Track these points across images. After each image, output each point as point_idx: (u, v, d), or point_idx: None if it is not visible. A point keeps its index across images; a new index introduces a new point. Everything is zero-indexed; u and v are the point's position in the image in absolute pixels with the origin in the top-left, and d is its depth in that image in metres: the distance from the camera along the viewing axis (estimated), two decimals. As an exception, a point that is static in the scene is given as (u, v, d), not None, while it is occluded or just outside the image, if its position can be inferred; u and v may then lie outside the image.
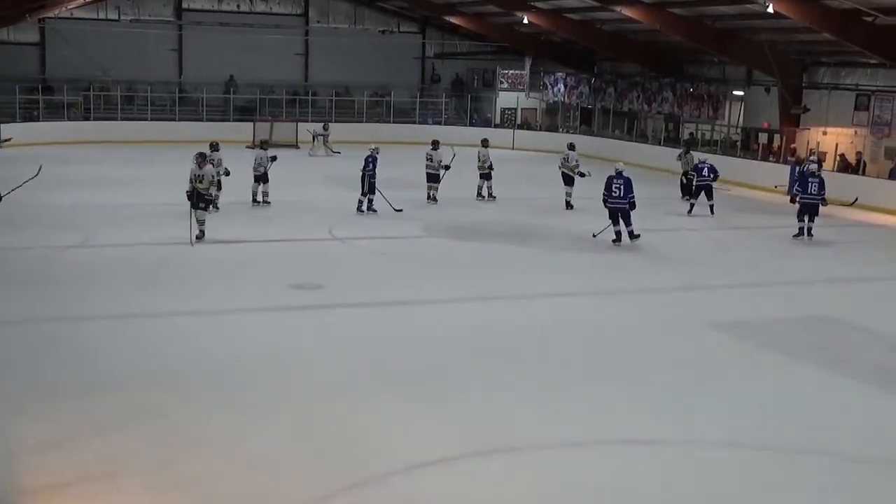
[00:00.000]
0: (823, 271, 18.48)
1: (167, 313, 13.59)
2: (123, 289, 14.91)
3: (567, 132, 40.82)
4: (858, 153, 28.91)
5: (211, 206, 19.87)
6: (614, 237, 19.59)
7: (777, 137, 32.31)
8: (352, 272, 16.66)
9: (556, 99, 43.02)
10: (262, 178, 23.31)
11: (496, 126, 43.07)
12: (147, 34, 40.01)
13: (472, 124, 42.59)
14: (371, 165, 22.35)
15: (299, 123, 38.32)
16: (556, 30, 38.10)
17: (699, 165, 24.70)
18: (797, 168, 28.02)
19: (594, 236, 19.97)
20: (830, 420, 10.46)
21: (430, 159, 24.58)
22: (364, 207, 22.50)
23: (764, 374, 11.95)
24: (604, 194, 19.71)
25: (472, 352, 12.30)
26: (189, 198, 18.56)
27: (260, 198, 23.29)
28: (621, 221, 19.52)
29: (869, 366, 12.38)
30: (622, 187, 19.41)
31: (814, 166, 22.64)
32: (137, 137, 36.56)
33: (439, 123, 42.23)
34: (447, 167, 24.23)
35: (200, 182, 18.53)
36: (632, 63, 38.72)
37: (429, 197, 24.52)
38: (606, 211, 19.74)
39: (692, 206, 24.58)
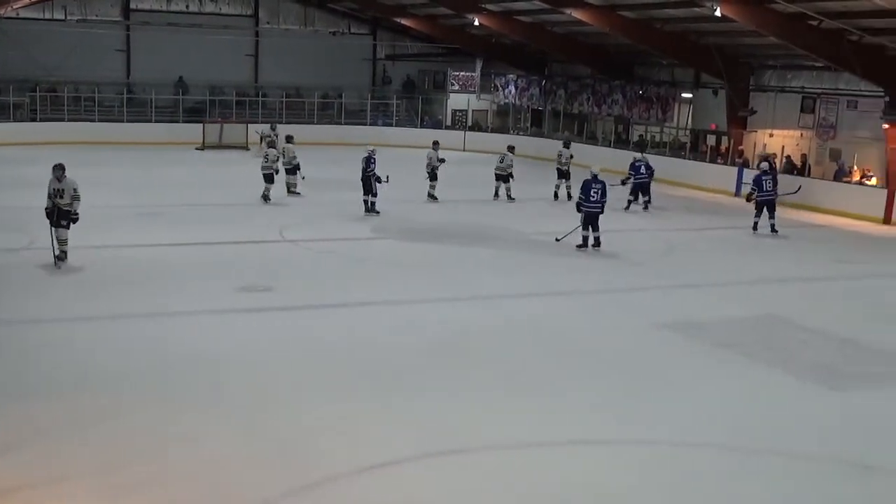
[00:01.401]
0: (771, 271, 18.70)
1: (115, 316, 13.43)
2: (70, 292, 14.73)
3: (518, 134, 41.00)
4: (804, 155, 29.34)
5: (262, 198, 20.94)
6: (580, 242, 19.50)
7: (725, 139, 32.68)
8: (303, 274, 16.58)
9: (506, 101, 43.15)
10: (291, 171, 25.34)
11: (447, 128, 43.09)
12: (94, 34, 39.56)
13: (423, 126, 42.56)
14: (371, 166, 22.72)
15: (249, 125, 38.09)
16: (506, 32, 38.22)
17: (636, 164, 25.65)
18: (745, 169, 28.61)
19: (557, 240, 19.94)
20: (780, 418, 10.58)
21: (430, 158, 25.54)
22: (368, 208, 22.75)
23: (716, 374, 12.08)
24: (580, 198, 19.55)
25: (424, 353, 12.29)
26: (48, 216, 16.30)
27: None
28: (593, 225, 19.42)
29: (816, 364, 12.56)
30: (600, 191, 19.31)
31: (766, 164, 23.81)
32: (85, 139, 36.11)
33: (390, 125, 42.24)
34: (442, 160, 25.35)
35: (61, 197, 16.25)
36: (582, 65, 38.95)
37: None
38: (574, 215, 19.68)
39: (630, 202, 25.47)
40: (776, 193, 23.00)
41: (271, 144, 25.44)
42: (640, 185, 25.76)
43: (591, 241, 19.39)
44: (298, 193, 25.53)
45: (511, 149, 26.91)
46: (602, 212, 19.40)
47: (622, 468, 9.10)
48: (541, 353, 12.63)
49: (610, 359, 12.49)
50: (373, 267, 17.51)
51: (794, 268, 19.17)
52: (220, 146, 37.15)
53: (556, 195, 26.90)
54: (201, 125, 37.78)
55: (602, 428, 10.05)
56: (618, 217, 23.64)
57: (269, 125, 36.35)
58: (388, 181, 23.07)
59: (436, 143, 26.25)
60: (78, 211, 16.35)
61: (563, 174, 26.99)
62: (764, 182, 22.82)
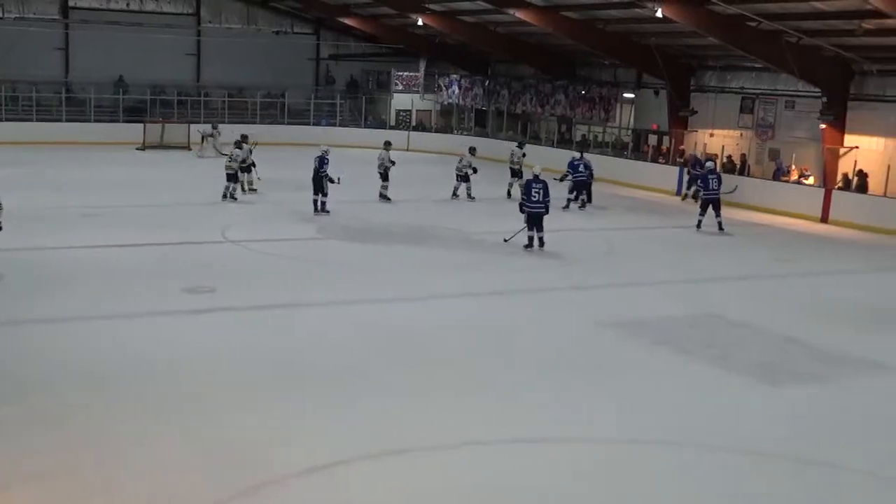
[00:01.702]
0: (712, 270, 19.00)
1: (57, 319, 13.27)
2: (8, 295, 14.50)
3: (461, 134, 41.13)
4: (743, 155, 29.76)
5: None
6: (527, 242, 19.56)
7: (666, 139, 33.05)
8: (246, 275, 16.48)
9: (450, 101, 43.24)
10: (246, 169, 25.33)
11: (391, 128, 43.07)
12: (32, 32, 38.89)
13: (366, 126, 42.54)
14: (324, 166, 22.80)
15: (191, 125, 37.72)
16: (450, 32, 38.29)
17: (574, 162, 26.02)
18: (686, 169, 28.99)
19: (505, 241, 19.99)
20: (721, 415, 10.76)
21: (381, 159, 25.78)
22: (318, 208, 22.78)
23: (657, 372, 12.23)
24: (522, 198, 19.71)
25: (372, 354, 12.30)
26: None
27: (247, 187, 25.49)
28: (536, 226, 19.48)
29: (756, 362, 12.77)
30: (541, 191, 19.40)
31: (711, 164, 24.55)
32: (23, 139, 35.52)
33: (334, 125, 42.12)
34: (392, 162, 25.62)
35: None
36: (525, 65, 39.15)
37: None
38: (520, 215, 19.72)
39: (568, 202, 25.78)
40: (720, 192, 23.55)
41: (238, 145, 25.28)
42: (579, 184, 26.07)
43: (536, 241, 19.52)
44: (255, 190, 25.68)
45: (472, 150, 27.20)
46: (546, 211, 19.49)
47: (567, 467, 9.18)
48: (488, 352, 12.70)
49: (555, 358, 12.59)
50: (318, 268, 17.47)
51: (734, 266, 19.46)
52: (161, 146, 36.74)
53: (508, 193, 27.21)
54: (142, 125, 37.32)
55: (548, 427, 10.13)
56: (560, 217, 23.80)
57: (210, 125, 36.11)
58: (339, 182, 23.10)
59: (388, 144, 26.34)
60: (1, 220, 15.87)
61: (516, 173, 27.48)
62: (710, 181, 23.28)
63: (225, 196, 24.22)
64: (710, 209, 23.10)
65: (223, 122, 37.59)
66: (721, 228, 22.95)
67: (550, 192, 19.69)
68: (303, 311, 14.36)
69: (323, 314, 14.25)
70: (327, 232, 20.82)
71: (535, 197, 19.35)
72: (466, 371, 11.84)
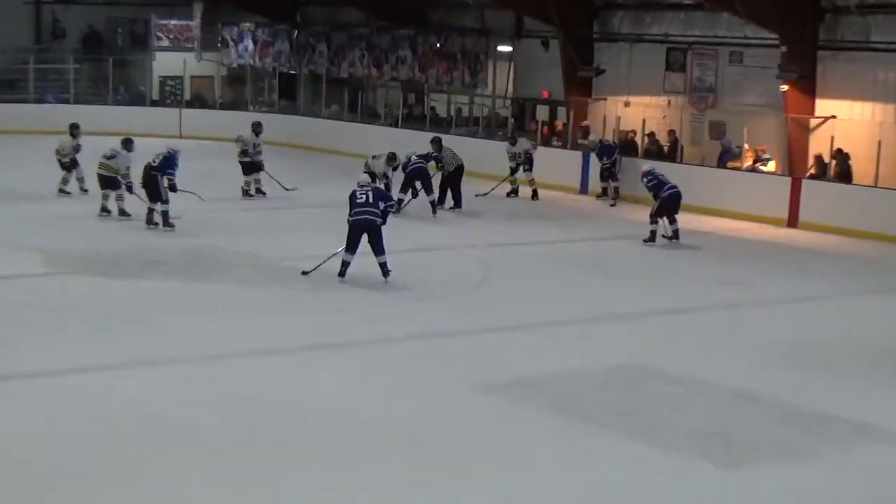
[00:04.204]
0: (629, 301, 19.31)
1: None
2: None
3: (260, 110, 40.96)
4: (672, 132, 30.28)
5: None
6: (340, 269, 19.48)
7: (562, 112, 33.48)
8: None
9: (242, 62, 43.03)
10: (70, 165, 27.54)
11: (154, 103, 42.66)
12: None
13: (117, 102, 42.08)
14: (168, 167, 23.85)
15: None
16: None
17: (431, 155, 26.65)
18: (590, 154, 29.44)
19: (305, 273, 19.94)
20: (644, 509, 10.97)
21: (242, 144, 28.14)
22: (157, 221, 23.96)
23: (558, 452, 12.31)
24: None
25: (120, 447, 12.07)
26: None
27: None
28: (374, 246, 19.36)
29: (696, 431, 12.98)
30: (369, 193, 19.45)
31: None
32: None
33: (67, 101, 41.28)
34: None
35: None
36: (352, 7, 39.24)
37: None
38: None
39: (432, 204, 26.56)
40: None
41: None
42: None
43: (369, 266, 19.48)
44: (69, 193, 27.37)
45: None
46: (382, 221, 19.50)
47: None
48: (312, 433, 12.60)
49: (411, 437, 12.58)
50: (42, 317, 17.13)
51: (663, 295, 19.85)
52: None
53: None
54: None
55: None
56: (409, 230, 23.85)
57: None
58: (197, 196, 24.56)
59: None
60: None
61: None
62: (661, 177, 24.08)
63: None
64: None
65: None
66: (675, 237, 23.71)
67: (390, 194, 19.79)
68: (27, 382, 14.10)
69: (62, 386, 14.02)
70: (62, 265, 20.51)
71: (359, 199, 19.37)
72: (295, 457, 11.73)
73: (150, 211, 24.10)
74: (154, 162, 23.98)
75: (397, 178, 26.70)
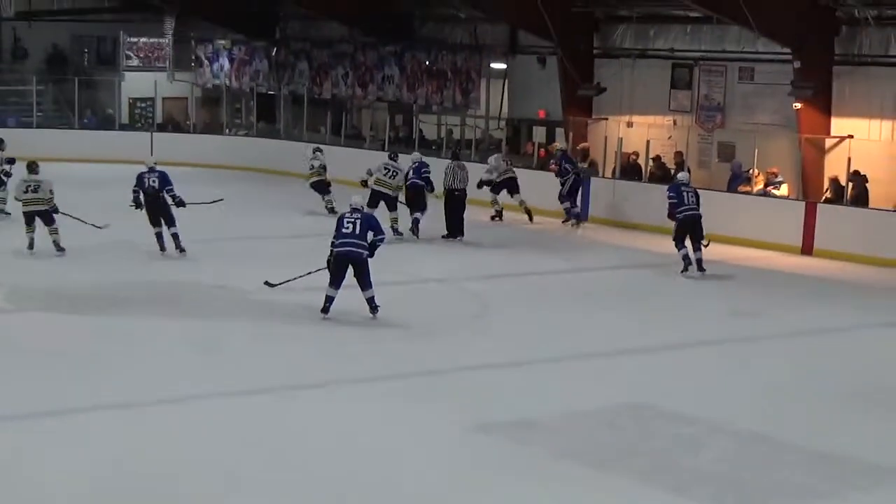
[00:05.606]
0: (635, 336, 19.21)
1: None
2: None
3: (238, 133, 40.93)
4: (679, 153, 30.24)
5: None
6: (324, 305, 19.30)
7: (560, 133, 33.44)
8: None
9: (217, 82, 43.05)
10: None
11: (123, 127, 42.63)
12: None
13: (83, 126, 42.06)
14: (165, 186, 24.50)
15: None
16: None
17: (410, 165, 26.84)
18: (583, 179, 29.35)
19: (271, 286, 20.28)
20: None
21: None
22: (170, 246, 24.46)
23: (557, 495, 12.24)
24: (333, 238, 19.39)
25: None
26: None
27: None
28: (360, 279, 19.23)
29: (710, 476, 12.87)
30: (357, 222, 19.27)
31: (685, 175, 24.84)
32: None
33: (29, 126, 41.31)
34: None
35: None
36: (336, 22, 39.24)
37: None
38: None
39: (395, 221, 26.86)
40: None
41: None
42: (414, 196, 26.97)
43: (354, 300, 19.37)
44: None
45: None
46: (368, 254, 19.29)
47: None
48: (297, 476, 12.53)
49: (402, 482, 12.50)
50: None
51: (671, 329, 19.75)
52: None
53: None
54: None
55: None
56: (394, 260, 23.75)
57: None
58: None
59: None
60: None
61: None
62: (686, 195, 23.54)
63: None
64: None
65: None
66: (701, 268, 23.50)
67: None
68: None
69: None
70: (20, 301, 20.47)
71: (347, 228, 19.25)
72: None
73: (159, 236, 24.39)
74: (154, 185, 24.25)
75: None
